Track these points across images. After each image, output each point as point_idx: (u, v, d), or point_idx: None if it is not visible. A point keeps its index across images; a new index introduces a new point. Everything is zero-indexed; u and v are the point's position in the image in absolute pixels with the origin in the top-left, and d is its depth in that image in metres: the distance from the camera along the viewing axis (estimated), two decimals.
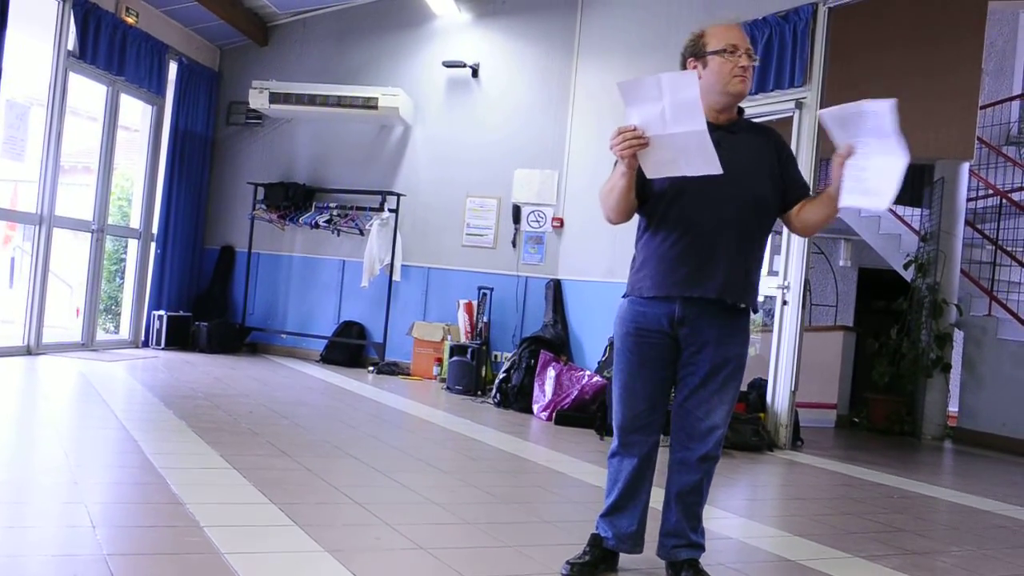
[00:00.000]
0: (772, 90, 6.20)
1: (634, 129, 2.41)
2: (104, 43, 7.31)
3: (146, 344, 8.43)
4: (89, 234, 7.71)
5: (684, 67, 2.68)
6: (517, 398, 6.73)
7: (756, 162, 2.67)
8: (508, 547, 3.01)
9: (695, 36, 2.69)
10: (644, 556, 2.81)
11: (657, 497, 2.79)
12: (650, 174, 2.51)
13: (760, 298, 8.71)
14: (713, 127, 2.59)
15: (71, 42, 7.01)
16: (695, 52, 2.67)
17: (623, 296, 2.77)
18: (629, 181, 2.52)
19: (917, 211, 9.37)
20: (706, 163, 2.41)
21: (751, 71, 2.65)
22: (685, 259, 2.61)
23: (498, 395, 6.87)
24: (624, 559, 2.82)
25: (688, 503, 2.70)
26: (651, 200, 2.64)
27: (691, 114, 2.35)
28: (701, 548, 2.73)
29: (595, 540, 2.79)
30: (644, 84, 2.36)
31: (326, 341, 8.75)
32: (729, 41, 2.62)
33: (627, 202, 2.58)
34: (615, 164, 2.55)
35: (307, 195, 8.76)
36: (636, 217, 2.73)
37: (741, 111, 2.75)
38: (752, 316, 2.77)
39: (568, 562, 2.72)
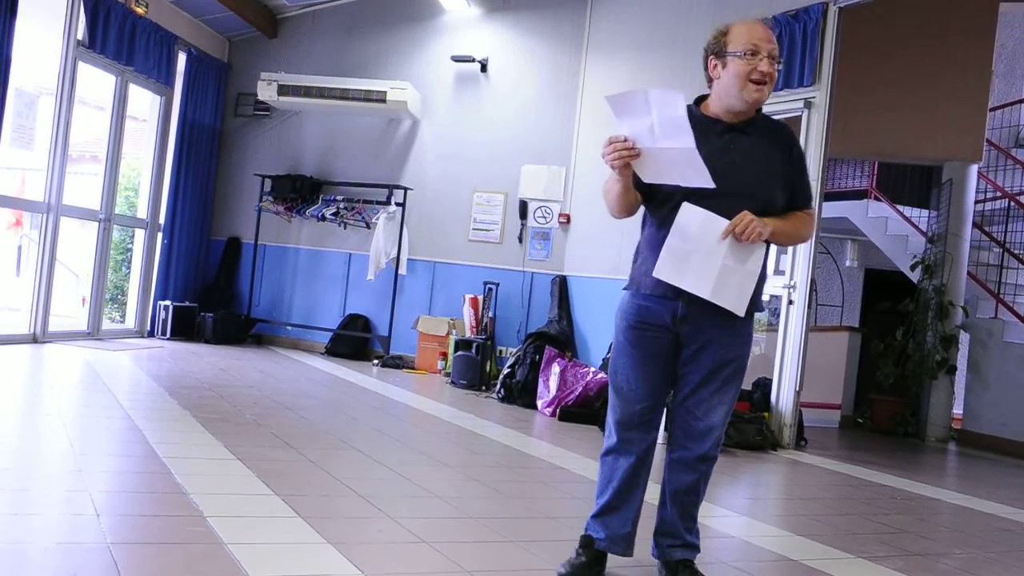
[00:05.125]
0: (781, 89, 6.17)
1: (624, 140, 2.39)
2: (113, 33, 7.32)
3: (151, 334, 8.45)
4: (96, 223, 7.73)
5: (705, 64, 2.60)
6: (521, 394, 6.73)
7: (766, 166, 2.57)
8: (510, 542, 3.02)
9: (718, 33, 2.56)
10: (634, 558, 2.77)
11: (652, 493, 2.75)
12: (646, 180, 2.50)
13: (765, 297, 8.75)
14: (726, 127, 2.56)
15: (81, 32, 7.02)
16: (716, 50, 2.55)
17: (624, 288, 2.71)
18: (624, 185, 2.51)
19: (925, 212, 9.36)
20: (698, 177, 2.38)
21: (773, 76, 2.51)
22: None
23: (502, 390, 6.87)
24: (613, 559, 2.75)
25: (685, 503, 2.66)
26: (659, 197, 2.58)
27: (679, 131, 2.31)
28: (696, 549, 2.70)
29: (586, 541, 2.71)
30: (633, 98, 2.33)
31: (331, 334, 8.76)
32: (751, 41, 2.49)
33: (626, 202, 2.56)
34: None
35: (314, 188, 8.77)
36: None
37: (758, 108, 2.64)
38: (757, 315, 2.73)
39: (564, 564, 2.66)
